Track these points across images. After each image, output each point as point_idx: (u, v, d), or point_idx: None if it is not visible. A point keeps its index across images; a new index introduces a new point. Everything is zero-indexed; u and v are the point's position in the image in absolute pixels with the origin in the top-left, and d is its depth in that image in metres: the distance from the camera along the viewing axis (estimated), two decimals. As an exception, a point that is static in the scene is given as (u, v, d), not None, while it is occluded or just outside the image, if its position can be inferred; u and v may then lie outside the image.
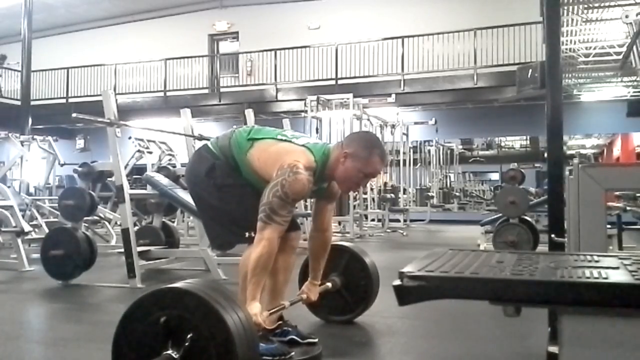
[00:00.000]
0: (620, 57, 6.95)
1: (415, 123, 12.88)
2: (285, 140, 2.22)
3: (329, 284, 2.65)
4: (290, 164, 2.06)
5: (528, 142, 19.07)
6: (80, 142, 11.30)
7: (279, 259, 2.35)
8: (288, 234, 2.33)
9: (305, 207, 7.84)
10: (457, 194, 16.85)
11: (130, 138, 8.36)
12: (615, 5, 5.67)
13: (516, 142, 19.77)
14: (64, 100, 14.63)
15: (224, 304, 1.50)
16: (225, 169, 2.24)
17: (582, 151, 17.20)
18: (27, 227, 5.09)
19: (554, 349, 1.91)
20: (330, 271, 2.69)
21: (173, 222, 6.60)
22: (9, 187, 6.51)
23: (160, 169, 6.53)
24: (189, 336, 1.46)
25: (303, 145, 2.19)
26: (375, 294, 2.80)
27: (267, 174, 2.13)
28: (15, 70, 13.82)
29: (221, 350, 1.44)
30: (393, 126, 11.60)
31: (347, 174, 2.15)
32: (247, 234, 2.16)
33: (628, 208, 6.25)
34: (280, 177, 2.05)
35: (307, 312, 3.09)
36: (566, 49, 6.99)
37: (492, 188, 17.68)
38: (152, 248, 4.74)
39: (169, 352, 1.46)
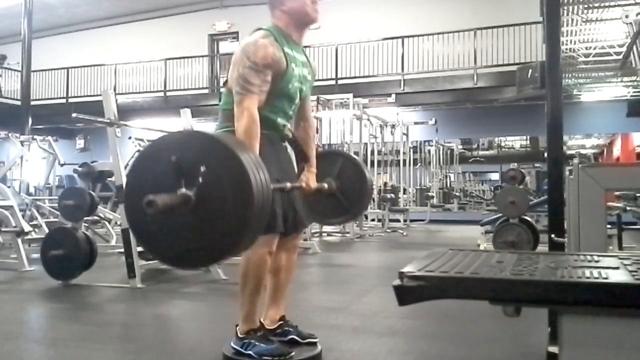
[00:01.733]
0: (620, 57, 6.95)
1: (415, 123, 12.87)
2: None
3: (325, 185, 2.64)
4: (246, 42, 2.16)
5: (528, 142, 19.09)
6: (80, 142, 11.29)
7: (282, 257, 2.36)
8: (290, 234, 2.33)
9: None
10: (457, 194, 16.85)
11: (130, 138, 8.36)
12: (615, 5, 5.67)
13: (516, 142, 19.80)
14: (64, 100, 14.64)
15: (233, 142, 1.50)
16: None
17: (582, 151, 17.20)
18: (27, 227, 5.09)
19: (554, 349, 1.92)
20: (324, 176, 2.65)
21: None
22: (9, 187, 6.52)
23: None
24: (202, 172, 1.44)
25: None
26: (369, 197, 2.79)
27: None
28: (15, 70, 13.83)
29: (235, 181, 1.42)
30: (393, 126, 11.60)
31: (296, 3, 2.23)
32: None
33: (628, 208, 6.25)
34: (243, 53, 2.12)
35: (308, 312, 3.10)
36: (566, 49, 6.99)
37: (492, 188, 17.69)
38: (152, 248, 4.73)
39: (183, 190, 1.44)
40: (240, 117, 2.07)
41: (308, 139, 2.47)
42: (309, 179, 2.42)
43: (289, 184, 2.24)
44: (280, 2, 2.24)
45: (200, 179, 1.45)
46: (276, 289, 2.40)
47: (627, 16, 4.42)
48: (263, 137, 2.11)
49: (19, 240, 4.94)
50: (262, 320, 2.34)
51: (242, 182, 1.44)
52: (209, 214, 1.46)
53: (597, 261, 1.26)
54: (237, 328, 2.23)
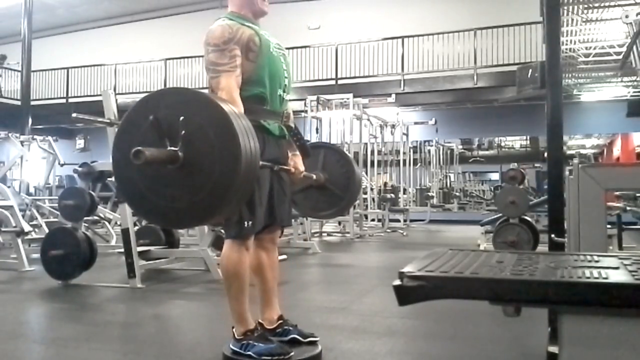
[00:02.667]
0: (620, 57, 6.95)
1: (415, 123, 12.88)
2: None
3: (313, 175, 2.61)
4: (205, 35, 2.18)
5: (528, 142, 19.09)
6: (80, 142, 11.28)
7: (262, 256, 2.34)
8: (266, 228, 2.30)
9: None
10: (457, 194, 16.85)
11: (130, 138, 8.35)
12: (615, 5, 5.67)
13: (516, 142, 19.80)
14: (64, 100, 14.64)
15: (211, 96, 1.49)
16: None
17: (582, 151, 17.21)
18: (27, 227, 5.09)
19: (554, 349, 1.92)
20: (310, 170, 2.62)
21: (173, 222, 6.59)
22: (9, 187, 6.52)
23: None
24: (181, 124, 1.42)
25: None
26: (359, 181, 2.77)
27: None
28: (15, 70, 13.82)
29: (219, 130, 1.41)
30: (393, 126, 11.60)
31: None
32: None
33: (628, 208, 6.25)
34: (205, 42, 2.15)
35: (308, 312, 3.09)
36: (566, 49, 7.00)
37: (492, 188, 17.70)
38: (152, 248, 4.74)
39: (169, 147, 1.42)
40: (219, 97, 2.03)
41: (287, 121, 2.38)
42: (297, 163, 2.40)
43: (276, 166, 2.23)
44: None
45: (182, 132, 1.42)
46: (265, 289, 2.37)
47: (627, 16, 4.42)
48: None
49: (19, 240, 4.94)
50: (260, 321, 2.34)
51: (226, 127, 1.41)
52: (196, 169, 1.43)
53: (597, 261, 1.26)
54: (234, 330, 2.22)
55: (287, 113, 2.35)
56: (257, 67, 2.18)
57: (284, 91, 2.30)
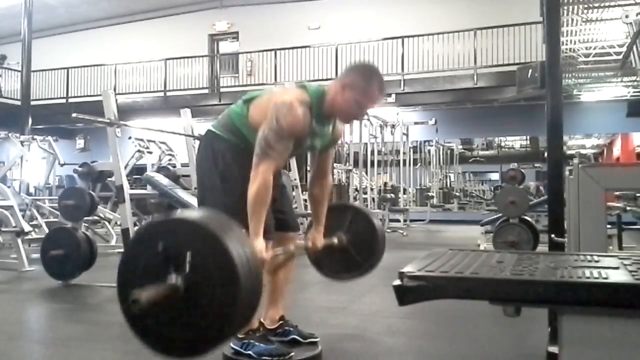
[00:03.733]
0: (620, 57, 6.94)
1: (415, 123, 12.87)
2: None
3: (335, 240, 2.60)
4: (283, 100, 2.07)
5: (528, 142, 19.08)
6: (80, 142, 11.28)
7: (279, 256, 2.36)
8: (286, 234, 2.33)
9: (305, 207, 7.84)
10: (457, 194, 16.83)
11: (130, 138, 8.35)
12: (615, 5, 5.67)
13: (516, 142, 19.78)
14: (64, 100, 14.62)
15: (222, 229, 1.47)
16: (228, 155, 2.20)
17: (582, 151, 17.19)
18: (27, 227, 5.09)
19: (553, 349, 1.92)
20: (335, 229, 2.61)
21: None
22: (9, 187, 6.52)
23: (160, 169, 6.52)
24: (188, 261, 1.42)
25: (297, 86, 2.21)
26: (382, 251, 2.70)
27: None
28: (15, 70, 13.82)
29: (222, 268, 1.41)
30: (393, 126, 11.60)
31: (346, 104, 2.11)
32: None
33: (628, 208, 6.25)
34: (275, 111, 2.05)
35: (308, 312, 3.09)
36: (566, 49, 6.99)
37: (492, 188, 17.69)
38: (152, 248, 4.73)
39: (172, 276, 1.43)
40: (254, 180, 2.02)
41: (322, 196, 2.41)
42: (316, 239, 2.41)
43: (292, 247, 2.31)
44: (347, 84, 2.10)
45: (187, 267, 1.44)
46: (275, 289, 2.39)
47: (627, 16, 4.42)
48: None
49: (19, 240, 4.94)
50: (262, 320, 2.34)
51: (230, 272, 1.42)
52: (197, 302, 1.45)
53: (597, 261, 1.26)
54: None
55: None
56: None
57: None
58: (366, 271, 2.69)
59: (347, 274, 2.72)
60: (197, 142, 4.72)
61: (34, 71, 12.19)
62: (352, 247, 2.64)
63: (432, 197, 13.23)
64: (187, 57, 14.10)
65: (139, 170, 8.50)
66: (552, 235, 3.08)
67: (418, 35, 11.99)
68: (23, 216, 5.76)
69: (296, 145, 2.12)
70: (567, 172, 2.16)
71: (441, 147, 16.12)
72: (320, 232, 2.42)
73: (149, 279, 1.45)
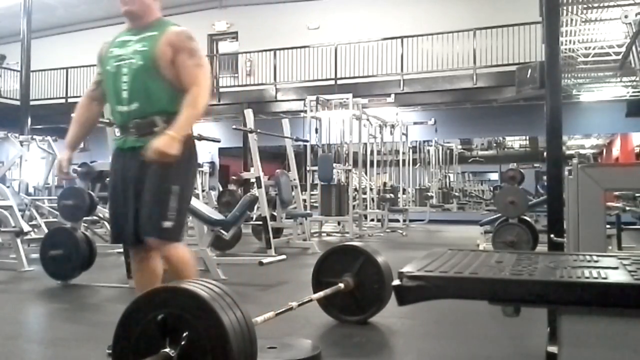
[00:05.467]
0: (620, 57, 6.95)
1: (415, 123, 12.87)
2: None
3: (341, 285, 2.66)
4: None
5: (527, 142, 19.09)
6: (79, 142, 11.26)
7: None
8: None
9: (305, 207, 7.84)
10: (457, 194, 16.85)
11: (129, 138, 8.33)
12: (614, 5, 5.67)
13: (516, 142, 19.79)
14: (63, 100, 14.61)
15: (221, 302, 1.50)
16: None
17: (582, 151, 17.22)
18: (26, 227, 5.08)
19: (553, 349, 1.92)
20: (343, 271, 2.69)
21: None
22: (8, 187, 6.51)
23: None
24: (184, 334, 1.45)
25: None
26: (388, 298, 2.76)
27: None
28: (14, 70, 13.82)
29: (217, 348, 1.44)
30: (392, 126, 11.60)
31: None
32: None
33: (627, 208, 6.26)
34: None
35: (307, 312, 3.09)
36: (565, 49, 7.00)
37: (491, 188, 17.69)
38: (151, 248, 4.73)
39: (167, 350, 1.45)
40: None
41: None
42: (162, 142, 2.00)
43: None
44: None
45: (183, 342, 1.46)
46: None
47: (626, 16, 4.43)
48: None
49: (18, 240, 4.93)
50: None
51: (225, 351, 1.45)
52: None
53: (596, 261, 1.26)
54: None
55: (145, 122, 2.13)
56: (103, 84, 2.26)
57: (123, 104, 2.14)
58: (369, 317, 2.79)
59: (349, 317, 2.81)
60: (196, 142, 4.72)
61: (33, 71, 12.19)
62: (358, 293, 2.73)
63: (432, 197, 13.24)
64: (187, 57, 14.08)
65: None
66: (552, 235, 3.08)
67: (417, 36, 11.99)
68: (22, 216, 5.76)
69: (104, 76, 2.23)
70: (566, 172, 2.16)
71: (440, 147, 16.13)
72: (163, 136, 2.05)
73: (144, 351, 1.48)
